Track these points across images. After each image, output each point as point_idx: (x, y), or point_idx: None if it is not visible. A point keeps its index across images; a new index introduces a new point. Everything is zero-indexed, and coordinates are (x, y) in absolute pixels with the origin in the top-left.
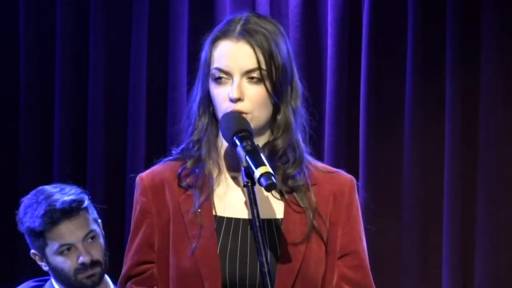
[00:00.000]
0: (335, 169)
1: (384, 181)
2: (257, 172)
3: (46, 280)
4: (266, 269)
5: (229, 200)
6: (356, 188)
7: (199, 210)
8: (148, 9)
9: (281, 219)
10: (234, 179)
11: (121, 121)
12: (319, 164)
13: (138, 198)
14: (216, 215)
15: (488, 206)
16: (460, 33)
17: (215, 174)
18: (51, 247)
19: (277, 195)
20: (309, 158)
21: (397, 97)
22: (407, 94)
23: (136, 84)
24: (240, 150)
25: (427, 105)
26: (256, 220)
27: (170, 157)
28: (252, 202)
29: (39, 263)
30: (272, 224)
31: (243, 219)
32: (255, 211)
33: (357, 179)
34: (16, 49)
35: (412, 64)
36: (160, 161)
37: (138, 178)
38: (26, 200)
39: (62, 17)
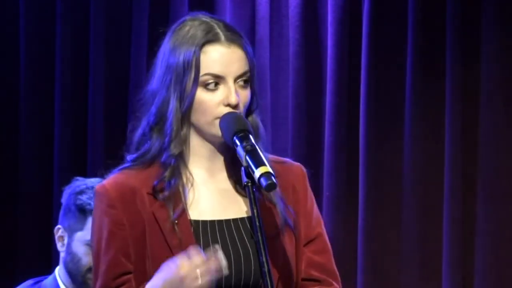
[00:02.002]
0: (283, 159)
1: (384, 181)
2: (257, 172)
3: (45, 278)
4: (266, 269)
5: (203, 204)
6: (307, 175)
7: (176, 221)
8: (148, 9)
9: (249, 217)
10: (205, 182)
11: (121, 121)
12: (270, 156)
13: (105, 209)
14: (191, 220)
15: (488, 206)
16: (460, 33)
17: (187, 181)
18: (85, 235)
19: (244, 194)
20: None
21: (397, 97)
22: (407, 94)
23: (136, 84)
24: (240, 150)
25: (427, 105)
26: (256, 220)
27: (127, 165)
28: (252, 202)
29: (57, 241)
30: (246, 222)
31: (218, 220)
32: (255, 210)
33: (357, 179)
34: (16, 49)
35: (412, 64)
36: (115, 170)
37: (100, 189)
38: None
39: (62, 17)
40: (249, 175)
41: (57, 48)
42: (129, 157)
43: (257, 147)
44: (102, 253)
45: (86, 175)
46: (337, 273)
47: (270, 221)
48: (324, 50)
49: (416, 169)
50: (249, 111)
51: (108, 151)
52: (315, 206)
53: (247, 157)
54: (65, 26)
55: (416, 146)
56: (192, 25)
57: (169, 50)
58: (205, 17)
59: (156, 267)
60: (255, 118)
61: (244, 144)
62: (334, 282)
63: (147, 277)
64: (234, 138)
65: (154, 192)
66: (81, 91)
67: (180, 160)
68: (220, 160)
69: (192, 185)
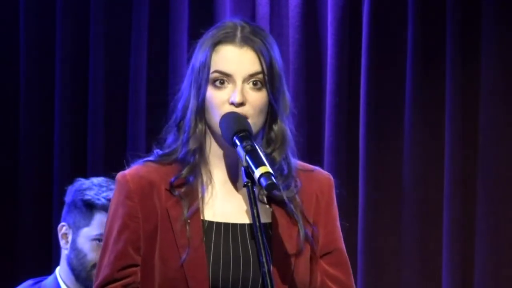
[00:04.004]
0: (312, 167)
1: (384, 181)
2: (257, 172)
3: (45, 278)
4: (266, 269)
5: (219, 206)
6: (334, 186)
7: (189, 220)
8: (148, 9)
9: (269, 223)
10: (223, 184)
11: (121, 121)
12: (297, 163)
13: (122, 200)
14: (204, 220)
15: (488, 206)
16: (460, 34)
17: (205, 181)
18: (91, 230)
19: (265, 200)
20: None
21: (397, 97)
22: (407, 94)
23: (136, 84)
24: (240, 150)
25: (427, 105)
26: (256, 220)
27: (152, 158)
28: (252, 202)
29: (61, 238)
30: (261, 228)
31: (233, 224)
32: (255, 211)
33: (357, 179)
34: (16, 49)
35: (412, 64)
36: (139, 161)
37: (121, 178)
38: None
39: (62, 17)
40: (249, 175)
41: (57, 48)
42: (156, 151)
43: (257, 147)
44: (112, 242)
45: (86, 175)
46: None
47: (286, 231)
48: (324, 50)
49: (416, 169)
50: (271, 118)
51: (108, 150)
52: (338, 219)
53: (247, 157)
54: (65, 26)
55: (416, 146)
56: (218, 27)
57: (196, 51)
58: (237, 20)
59: (163, 264)
60: (280, 125)
61: (244, 144)
62: None
63: (155, 273)
64: (234, 138)
65: (171, 188)
66: (81, 91)
67: (200, 159)
68: (239, 164)
69: (210, 185)
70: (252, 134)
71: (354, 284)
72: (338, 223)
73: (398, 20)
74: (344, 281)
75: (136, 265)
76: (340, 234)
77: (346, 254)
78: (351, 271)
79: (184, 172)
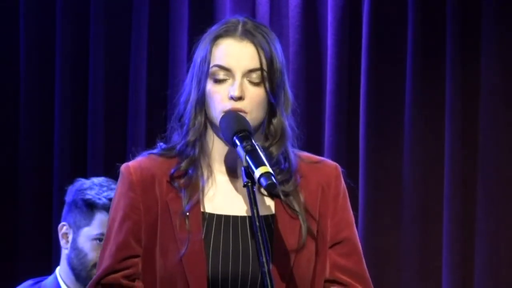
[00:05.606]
0: (319, 158)
1: (384, 181)
2: (257, 172)
3: (45, 278)
4: (266, 269)
5: (219, 199)
6: (341, 175)
7: (187, 214)
8: (148, 9)
9: (272, 215)
10: (224, 179)
11: (121, 121)
12: (304, 155)
13: (125, 192)
14: (205, 212)
15: (488, 206)
16: (460, 33)
17: (206, 174)
18: (92, 230)
19: (263, 192)
20: (293, 149)
21: (397, 97)
22: (407, 94)
23: (136, 84)
24: (240, 150)
25: (427, 105)
26: (256, 220)
27: (156, 151)
28: (252, 202)
29: (61, 238)
30: (263, 221)
31: (233, 216)
32: (255, 211)
33: (357, 179)
34: (16, 49)
35: (412, 64)
36: (144, 153)
37: (124, 170)
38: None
39: (62, 17)
40: (249, 175)
41: (57, 48)
42: (160, 145)
43: (257, 147)
44: (114, 234)
45: (86, 175)
46: (367, 276)
47: (288, 224)
48: (324, 50)
49: (416, 169)
50: (271, 113)
51: (108, 150)
52: (348, 208)
53: (247, 157)
54: (65, 26)
55: (416, 146)
56: (221, 23)
57: (198, 46)
58: (240, 17)
59: (162, 257)
60: (280, 119)
61: (244, 144)
62: (360, 287)
63: (156, 266)
64: (234, 138)
65: (171, 180)
66: (81, 91)
67: (200, 152)
68: (239, 161)
69: (211, 179)
70: (252, 133)
71: (366, 272)
72: (348, 212)
73: (398, 20)
74: (355, 270)
75: (137, 256)
76: (350, 222)
77: (358, 242)
78: (362, 259)
79: (184, 164)
